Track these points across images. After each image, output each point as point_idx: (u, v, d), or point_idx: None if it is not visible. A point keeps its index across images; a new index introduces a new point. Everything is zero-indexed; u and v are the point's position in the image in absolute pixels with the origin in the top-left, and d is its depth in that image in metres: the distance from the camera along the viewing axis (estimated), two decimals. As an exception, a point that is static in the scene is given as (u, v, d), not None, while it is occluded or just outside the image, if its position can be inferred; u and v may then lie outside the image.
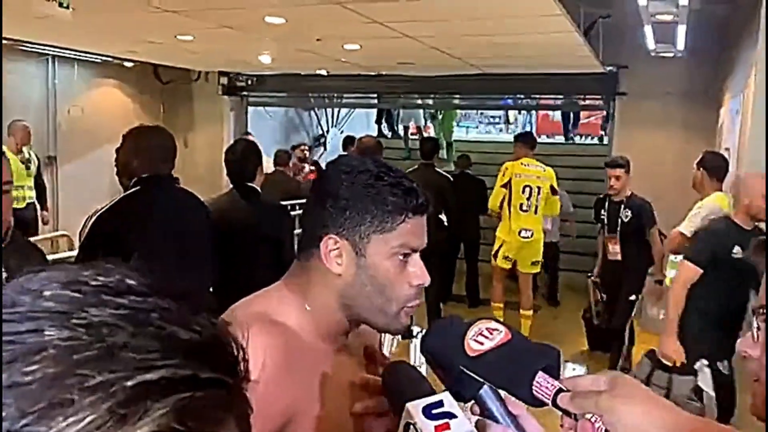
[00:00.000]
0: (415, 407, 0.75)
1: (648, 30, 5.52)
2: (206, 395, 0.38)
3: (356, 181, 1.04)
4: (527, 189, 5.72)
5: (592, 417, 0.71)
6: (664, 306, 5.06)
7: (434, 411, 0.75)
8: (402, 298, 1.05)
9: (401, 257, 1.04)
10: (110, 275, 0.42)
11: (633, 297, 5.03)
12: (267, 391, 0.86)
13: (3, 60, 6.03)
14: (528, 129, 15.58)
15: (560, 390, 0.73)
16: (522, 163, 5.79)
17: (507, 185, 5.73)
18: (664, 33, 5.58)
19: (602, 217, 5.16)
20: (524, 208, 5.71)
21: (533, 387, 0.74)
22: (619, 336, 5.07)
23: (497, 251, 5.87)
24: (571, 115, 12.43)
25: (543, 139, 14.65)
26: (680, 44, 6.09)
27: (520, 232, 5.71)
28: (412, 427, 0.75)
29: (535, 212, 5.74)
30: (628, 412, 0.70)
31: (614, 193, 5.01)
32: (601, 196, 5.38)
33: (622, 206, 4.98)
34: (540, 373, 0.74)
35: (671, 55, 6.51)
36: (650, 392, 0.74)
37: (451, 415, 0.75)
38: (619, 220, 4.98)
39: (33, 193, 6.71)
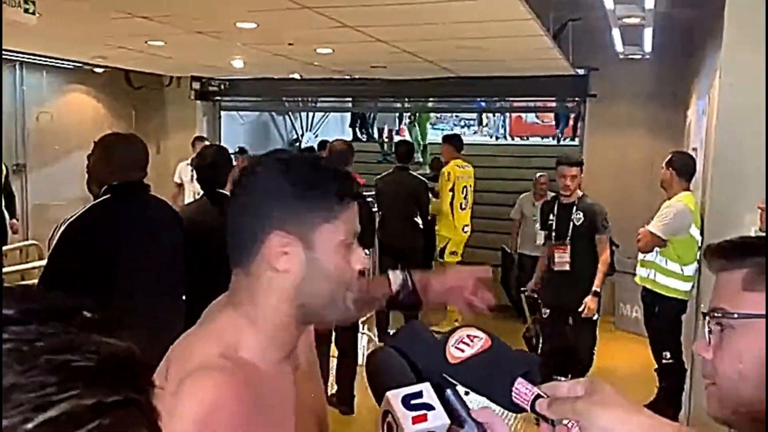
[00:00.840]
0: (394, 396, 0.76)
1: (616, 33, 5.60)
2: (114, 418, 0.36)
3: (296, 173, 1.01)
4: (465, 189, 6.41)
5: (569, 423, 0.72)
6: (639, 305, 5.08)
7: (413, 401, 0.76)
8: (349, 284, 1.04)
9: (347, 244, 1.03)
10: None
11: (596, 317, 4.64)
12: None
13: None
14: (501, 131, 15.77)
15: (539, 396, 0.75)
16: (458, 166, 6.41)
17: (453, 188, 6.34)
18: (632, 36, 5.67)
19: (550, 222, 4.69)
20: (463, 206, 6.42)
21: (513, 393, 0.75)
22: (588, 358, 4.71)
23: (443, 249, 6.42)
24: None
25: (516, 141, 14.84)
26: (647, 47, 6.20)
27: (463, 228, 6.44)
28: (390, 415, 0.76)
29: (470, 208, 6.52)
30: (603, 417, 0.71)
31: (567, 194, 4.53)
32: (548, 199, 4.97)
33: (574, 208, 4.55)
34: (519, 379, 0.76)
35: (639, 57, 6.62)
36: (626, 398, 0.75)
37: (429, 407, 0.75)
38: (571, 224, 4.54)
39: (2, 202, 6.60)
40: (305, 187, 1.01)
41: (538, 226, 6.52)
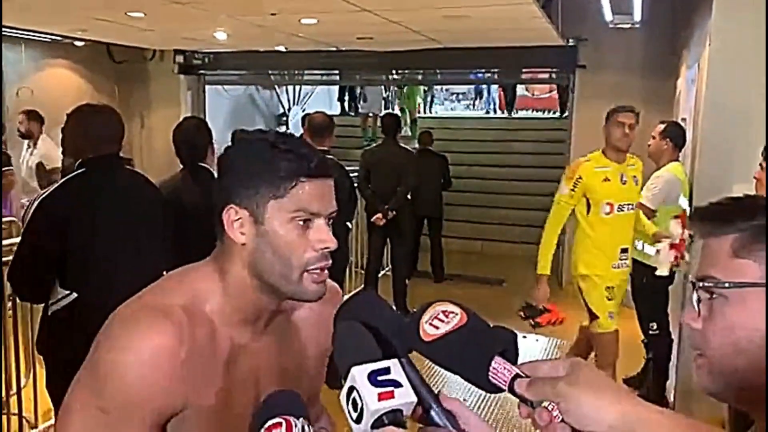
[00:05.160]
0: (360, 372, 0.72)
1: (605, 1, 5.52)
2: None
3: (251, 151, 1.09)
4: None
5: (549, 405, 0.69)
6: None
7: (380, 378, 0.72)
8: (303, 262, 1.08)
9: (301, 222, 1.07)
10: None
11: None
12: (150, 391, 1.00)
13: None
14: (491, 105, 15.62)
15: (517, 375, 0.71)
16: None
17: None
18: (621, 4, 5.59)
19: None
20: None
21: (489, 372, 0.71)
22: None
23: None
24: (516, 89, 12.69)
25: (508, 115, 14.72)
26: (637, 15, 6.11)
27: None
28: (355, 391, 0.72)
29: None
30: (585, 401, 0.67)
31: None
32: None
33: None
34: (496, 357, 0.71)
35: (629, 26, 6.53)
36: (610, 380, 0.70)
37: (396, 384, 0.72)
38: None
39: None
40: (257, 165, 1.08)
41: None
